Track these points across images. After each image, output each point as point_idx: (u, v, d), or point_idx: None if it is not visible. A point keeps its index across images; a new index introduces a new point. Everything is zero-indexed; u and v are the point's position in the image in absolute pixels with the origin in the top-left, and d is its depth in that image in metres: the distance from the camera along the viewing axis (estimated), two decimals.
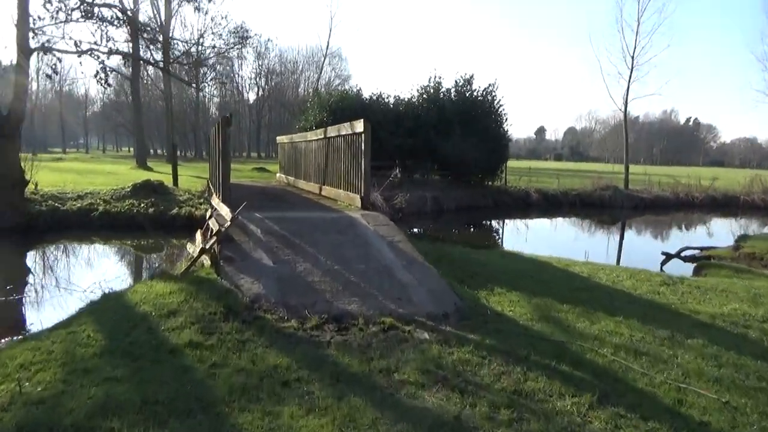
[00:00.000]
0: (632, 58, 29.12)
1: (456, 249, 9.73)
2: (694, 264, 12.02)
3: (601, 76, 30.60)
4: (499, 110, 25.69)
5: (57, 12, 16.45)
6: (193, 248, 7.39)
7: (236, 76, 66.29)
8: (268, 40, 66.68)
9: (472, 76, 25.41)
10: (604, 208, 27.24)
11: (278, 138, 18.63)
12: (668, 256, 13.09)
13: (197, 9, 26.23)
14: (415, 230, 18.27)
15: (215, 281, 5.77)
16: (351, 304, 5.24)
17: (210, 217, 8.43)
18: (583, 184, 28.92)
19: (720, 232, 22.00)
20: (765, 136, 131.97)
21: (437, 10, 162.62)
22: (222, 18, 34.60)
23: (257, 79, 69.51)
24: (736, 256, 12.32)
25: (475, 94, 25.46)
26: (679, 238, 19.91)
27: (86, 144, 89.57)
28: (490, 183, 26.77)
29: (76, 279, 9.18)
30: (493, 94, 25.46)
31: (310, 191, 12.07)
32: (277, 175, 18.26)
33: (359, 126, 8.45)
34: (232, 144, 35.23)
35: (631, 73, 29.17)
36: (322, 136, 10.94)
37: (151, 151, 59.28)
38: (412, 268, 6.43)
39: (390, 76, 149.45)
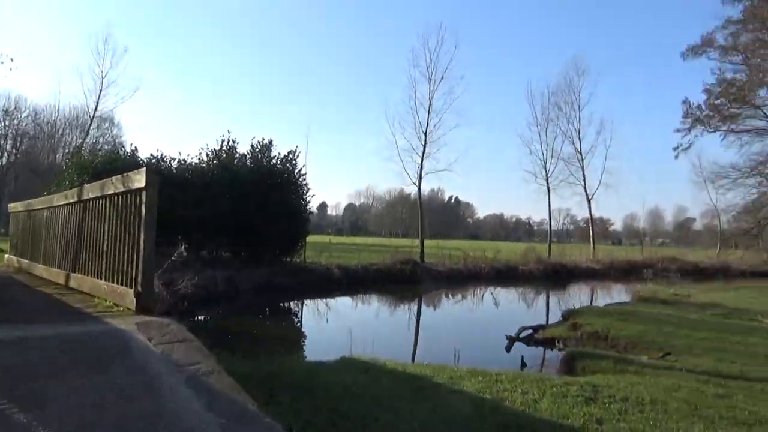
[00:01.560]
0: (425, 134, 29.92)
1: (296, 365, 6.73)
2: (560, 351, 10.80)
3: (396, 151, 30.93)
4: (300, 180, 23.57)
5: None
6: None
7: None
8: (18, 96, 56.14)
9: (270, 142, 23.05)
10: (406, 282, 26.48)
11: (11, 206, 13.52)
12: (512, 339, 11.77)
13: None
14: (203, 318, 14.63)
15: None
16: None
17: None
18: (383, 259, 28.02)
19: (534, 306, 22.46)
20: (509, 213, 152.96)
21: (233, 73, 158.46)
22: None
23: (2, 141, 57.65)
24: (577, 336, 11.46)
25: (274, 161, 23.02)
26: (496, 315, 19.49)
27: None
28: (289, 260, 24.08)
29: None
30: (294, 162, 23.36)
31: (51, 281, 7.98)
32: (6, 256, 13.05)
33: (139, 180, 5.22)
34: None
35: (424, 149, 29.87)
36: (76, 199, 7.23)
37: None
38: (240, 428, 3.39)
39: (178, 145, 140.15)
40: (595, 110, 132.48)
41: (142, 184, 5.13)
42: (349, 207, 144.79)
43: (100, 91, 44.00)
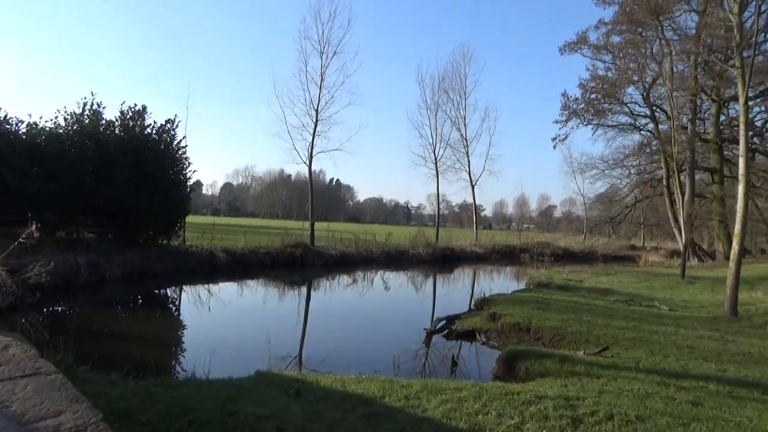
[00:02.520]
0: (316, 111, 28.24)
1: (201, 391, 5.00)
2: (483, 345, 9.98)
3: (285, 128, 28.91)
4: (180, 153, 20.95)
5: None
6: None
7: None
8: None
9: (144, 108, 20.11)
10: (297, 267, 24.91)
11: None
12: (430, 333, 10.81)
13: None
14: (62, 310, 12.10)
15: None
16: None
17: None
18: (271, 242, 26.12)
19: (433, 291, 21.89)
20: (388, 197, 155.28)
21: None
22: None
23: None
24: (498, 328, 10.74)
25: (148, 130, 20.17)
26: (401, 302, 18.60)
27: None
28: (166, 242, 21.43)
29: None
30: (173, 132, 20.66)
31: None
32: None
33: None
34: None
35: (315, 126, 28.21)
36: None
37: None
38: None
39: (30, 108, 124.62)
40: (481, 98, 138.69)
41: None
42: (227, 187, 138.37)
43: None
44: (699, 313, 13.52)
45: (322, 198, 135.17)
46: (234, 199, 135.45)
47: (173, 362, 8.63)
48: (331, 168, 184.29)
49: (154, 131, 20.30)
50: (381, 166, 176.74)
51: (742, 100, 12.38)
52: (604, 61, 39.22)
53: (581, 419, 4.76)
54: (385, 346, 10.13)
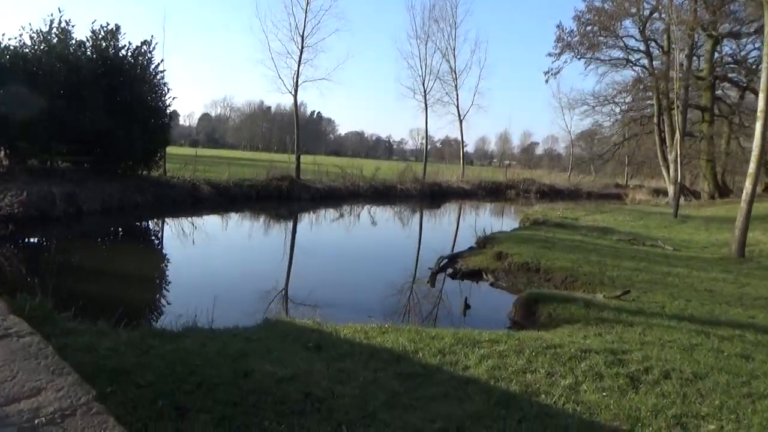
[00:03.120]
0: (302, 37, 26.58)
1: (208, 345, 4.31)
2: (491, 286, 9.50)
3: (269, 54, 27.19)
4: (158, 78, 19.53)
5: None
6: None
7: None
8: None
9: (118, 28, 18.46)
10: (282, 200, 24.14)
11: None
12: (434, 273, 10.29)
13: None
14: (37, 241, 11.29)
15: None
16: None
17: None
18: (256, 174, 25.17)
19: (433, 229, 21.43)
20: (370, 131, 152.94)
21: None
22: None
23: None
24: (506, 267, 10.24)
25: (123, 53, 18.62)
26: (395, 237, 18.10)
27: None
28: (146, 173, 20.35)
29: None
30: (150, 56, 19.16)
31: None
32: None
33: None
34: None
35: (301, 54, 26.64)
36: None
37: None
38: None
39: None
40: (472, 29, 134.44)
41: None
42: (205, 117, 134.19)
43: None
44: (703, 253, 13.23)
45: (304, 131, 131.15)
46: (212, 131, 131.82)
47: (165, 305, 7.97)
48: (314, 99, 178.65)
49: (129, 53, 18.76)
50: (366, 98, 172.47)
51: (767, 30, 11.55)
52: None
53: (637, 378, 4.25)
54: (387, 286, 9.60)
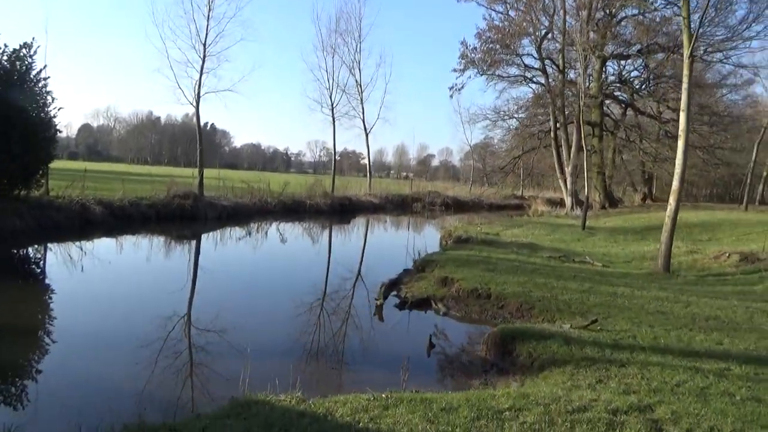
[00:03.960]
0: (204, 46, 24.75)
1: None
2: (443, 315, 8.71)
3: (167, 62, 24.96)
4: (41, 86, 17.07)
5: None
6: None
7: None
8: None
9: None
10: (186, 219, 22.17)
11: None
12: (380, 304, 9.41)
13: None
14: None
15: None
16: None
17: None
18: (155, 191, 22.96)
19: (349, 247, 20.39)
20: (267, 143, 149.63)
21: None
22: None
23: None
24: (454, 294, 9.60)
25: None
26: (316, 260, 16.86)
27: None
28: (26, 193, 17.67)
29: None
30: (30, 61, 16.69)
31: None
32: None
33: None
34: None
35: (203, 63, 24.76)
36: None
37: None
38: None
39: None
40: (377, 43, 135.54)
41: None
42: (85, 128, 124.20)
43: None
44: (630, 268, 13.50)
45: (195, 143, 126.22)
46: (95, 143, 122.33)
47: (54, 372, 6.37)
48: (209, 111, 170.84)
49: (5, 57, 16.23)
50: (268, 110, 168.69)
51: (687, 53, 11.98)
52: (499, 12, 39.06)
53: None
54: (333, 320, 8.62)
